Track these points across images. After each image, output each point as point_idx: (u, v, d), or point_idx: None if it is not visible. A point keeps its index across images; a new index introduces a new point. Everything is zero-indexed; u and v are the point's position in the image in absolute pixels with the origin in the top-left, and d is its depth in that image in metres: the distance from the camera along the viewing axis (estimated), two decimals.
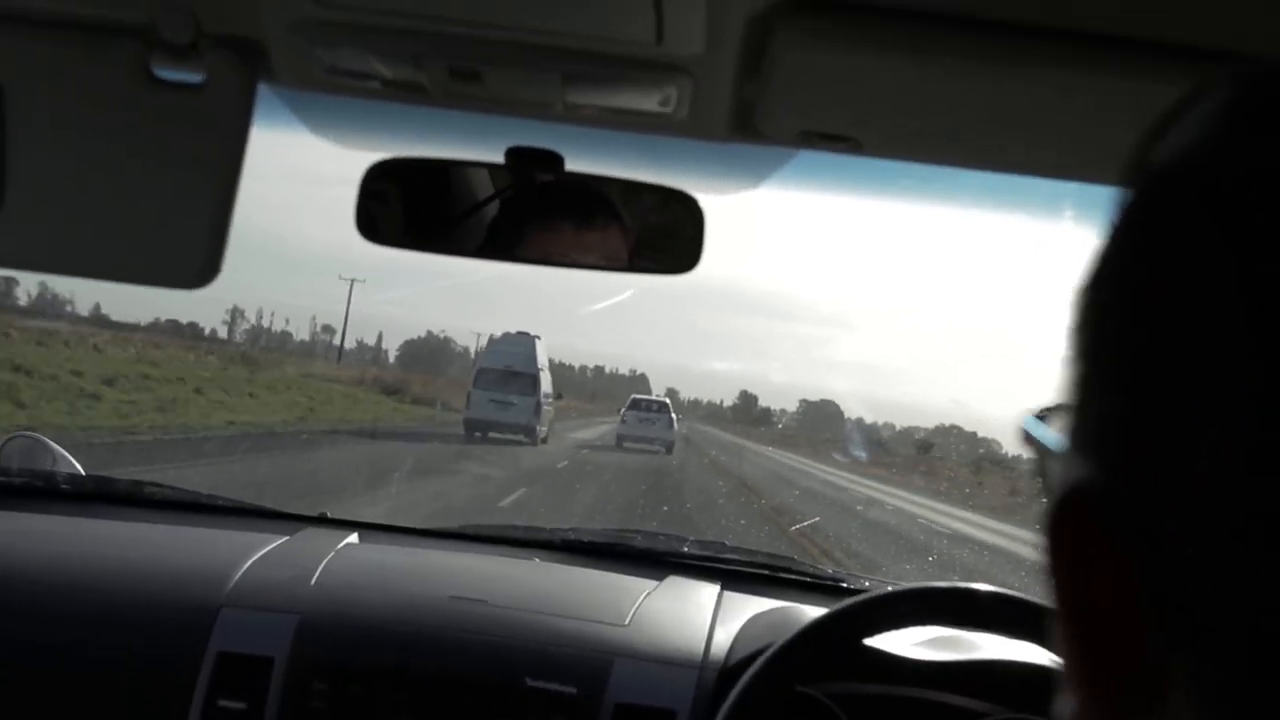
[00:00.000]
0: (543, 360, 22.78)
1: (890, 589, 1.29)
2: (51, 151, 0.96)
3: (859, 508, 18.19)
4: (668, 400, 29.88)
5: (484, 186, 1.26)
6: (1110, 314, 0.37)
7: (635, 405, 28.42)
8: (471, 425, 21.03)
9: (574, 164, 1.21)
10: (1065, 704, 0.38)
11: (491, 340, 24.28)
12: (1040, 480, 0.40)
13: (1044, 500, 0.38)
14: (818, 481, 23.84)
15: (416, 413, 27.71)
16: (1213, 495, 0.33)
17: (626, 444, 25.50)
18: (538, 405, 21.44)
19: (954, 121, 0.93)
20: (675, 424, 27.84)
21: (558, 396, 25.13)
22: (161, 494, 2.07)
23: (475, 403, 21.47)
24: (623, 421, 27.52)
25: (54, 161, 0.96)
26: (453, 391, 31.67)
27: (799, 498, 18.49)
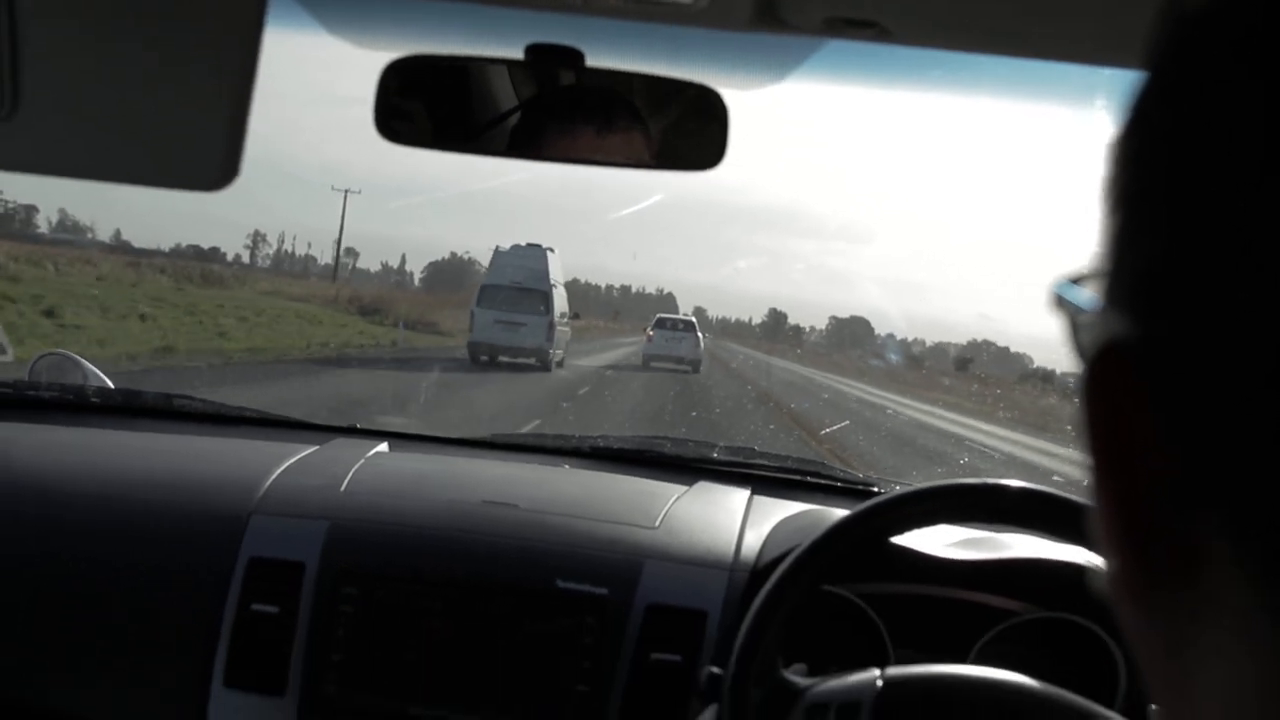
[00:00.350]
0: (556, 275, 20.25)
1: (916, 486, 1.30)
2: (66, 54, 0.96)
3: (890, 425, 18.17)
4: (693, 318, 29.94)
5: (504, 85, 1.26)
6: (1144, 159, 0.37)
7: (661, 324, 28.51)
8: (476, 349, 19.07)
9: (595, 60, 1.20)
10: (1105, 569, 0.38)
11: (498, 253, 20.50)
12: (1074, 347, 0.40)
13: (1079, 364, 0.38)
14: (851, 400, 23.75)
15: (393, 336, 25.07)
16: (1257, 342, 0.32)
17: (654, 364, 25.62)
18: (550, 326, 19.13)
19: (982, 2, 0.92)
20: (702, 342, 27.93)
21: (574, 316, 23.29)
22: (191, 406, 2.11)
23: (479, 324, 19.11)
24: (649, 340, 27.62)
25: (69, 63, 0.96)
26: (447, 312, 30.00)
27: (826, 411, 18.50)
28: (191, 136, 0.97)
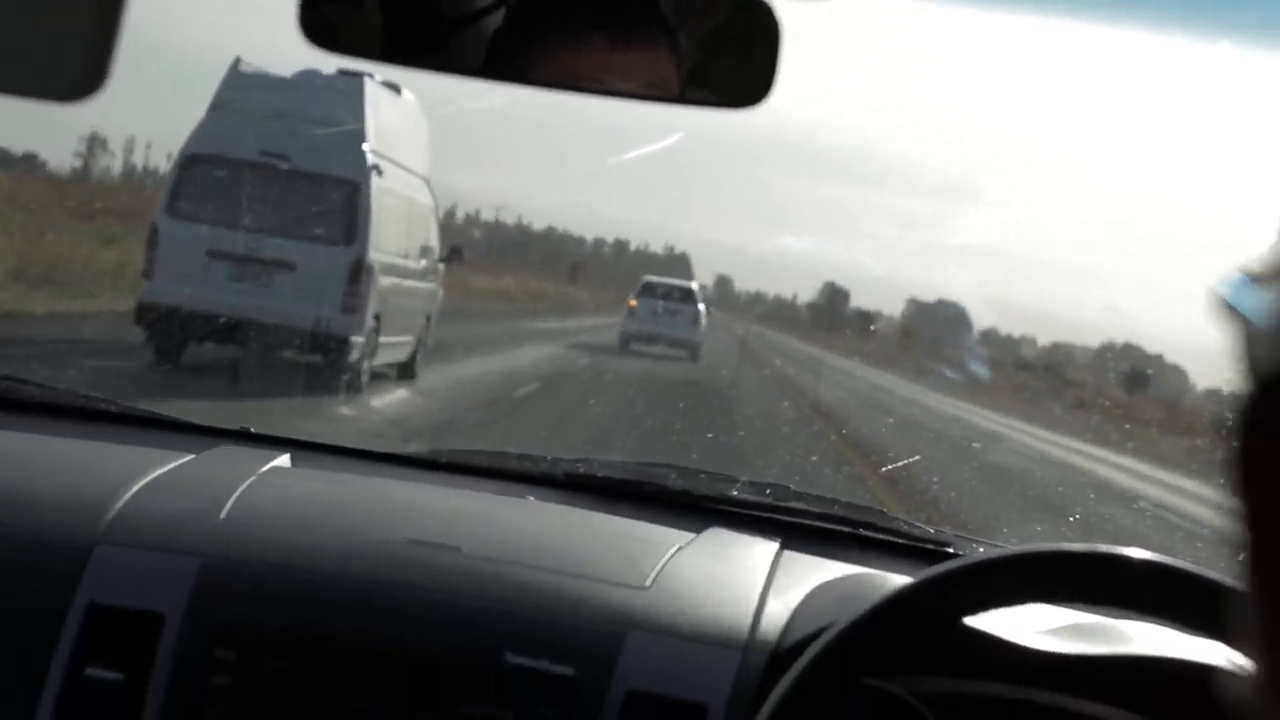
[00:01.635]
0: (393, 147, 13.21)
1: (1003, 550, 1.34)
2: None
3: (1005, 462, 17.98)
4: (694, 285, 29.59)
5: None
6: None
7: (649, 291, 28.13)
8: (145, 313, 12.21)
9: None
10: (1248, 674, 0.39)
11: (233, 73, 12.84)
12: (1242, 368, 0.40)
13: (1241, 396, 0.38)
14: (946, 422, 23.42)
15: None
16: None
17: (635, 345, 25.66)
18: (354, 275, 12.30)
19: None
20: (704, 318, 27.89)
21: (444, 258, 15.34)
22: (25, 393, 2.17)
23: (166, 265, 12.30)
24: (630, 314, 27.42)
25: None
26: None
27: (904, 438, 18.19)
28: (52, 38, 1.04)
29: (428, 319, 14.80)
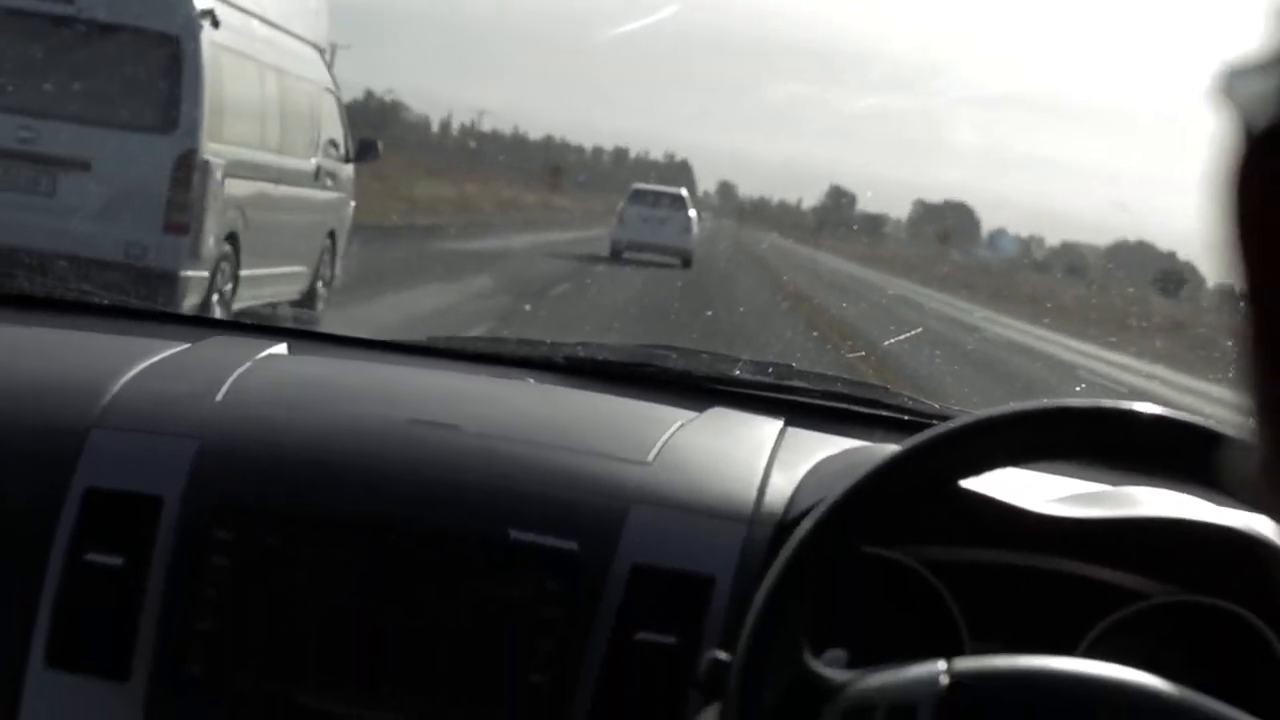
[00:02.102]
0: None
1: (995, 410, 1.33)
2: None
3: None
4: (684, 191, 29.78)
5: None
6: None
7: (638, 198, 28.34)
8: None
9: None
10: (1245, 445, 0.40)
11: None
12: (1234, 142, 0.42)
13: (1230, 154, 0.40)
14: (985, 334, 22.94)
15: None
16: None
17: (628, 253, 25.87)
18: (183, 187, 8.79)
19: None
20: (695, 225, 28.09)
21: (345, 159, 12.04)
22: (11, 287, 2.17)
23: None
24: (620, 222, 27.60)
25: None
26: None
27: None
28: None
29: (330, 240, 11.50)
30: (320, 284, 11.39)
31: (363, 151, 12.45)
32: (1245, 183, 0.40)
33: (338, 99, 12.06)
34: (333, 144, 11.69)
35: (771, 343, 13.18)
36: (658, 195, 28.95)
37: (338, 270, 11.91)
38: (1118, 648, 1.51)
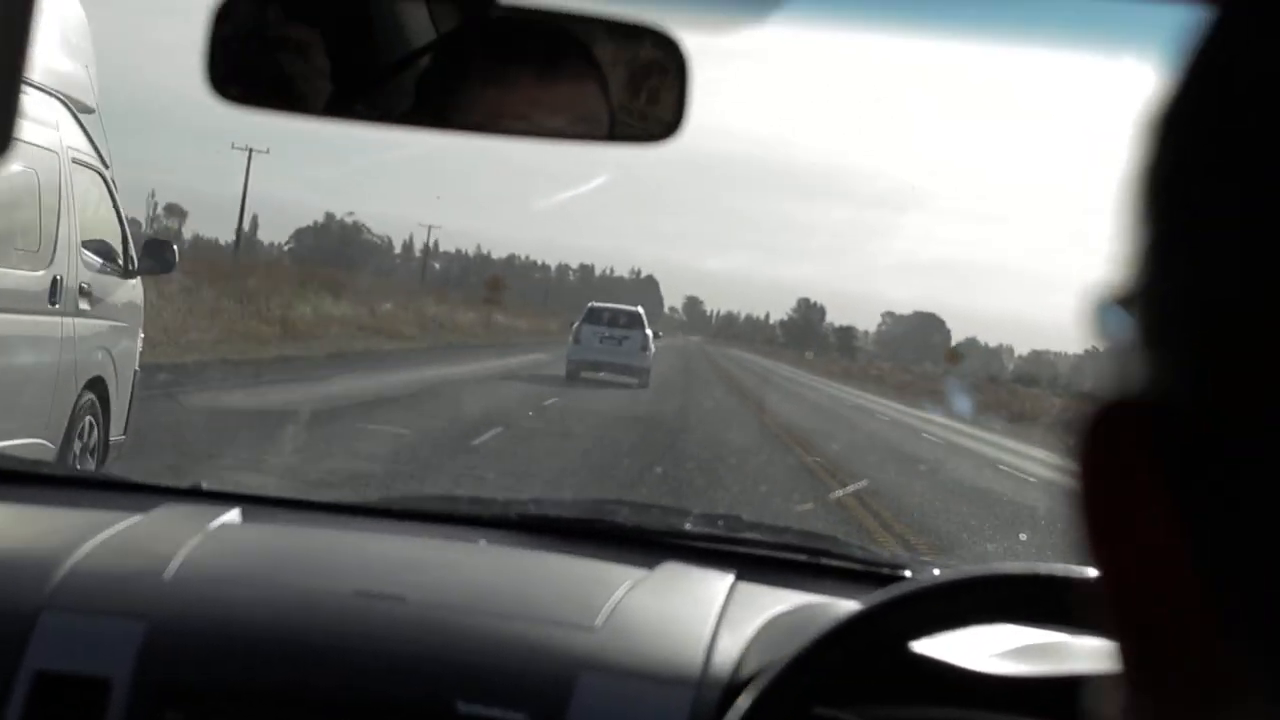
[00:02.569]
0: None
1: (950, 574, 1.39)
2: None
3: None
4: (640, 309, 30.12)
5: (401, 27, 1.35)
6: (1187, 159, 0.39)
7: (594, 317, 28.72)
8: None
9: None
10: (1111, 698, 0.41)
11: None
12: (1106, 380, 0.42)
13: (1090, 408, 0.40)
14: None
15: None
16: None
17: (585, 373, 26.02)
18: None
19: None
20: (652, 343, 28.31)
21: (126, 270, 9.02)
22: None
23: None
24: (575, 341, 27.82)
25: None
26: None
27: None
28: None
29: (94, 392, 8.31)
30: (85, 454, 8.26)
31: (152, 257, 9.30)
32: (1091, 461, 0.40)
33: (108, 182, 8.67)
34: (99, 248, 8.47)
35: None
36: (615, 313, 29.27)
37: (118, 431, 8.76)
38: None
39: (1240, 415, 0.36)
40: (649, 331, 28.65)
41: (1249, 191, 0.36)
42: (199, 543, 1.86)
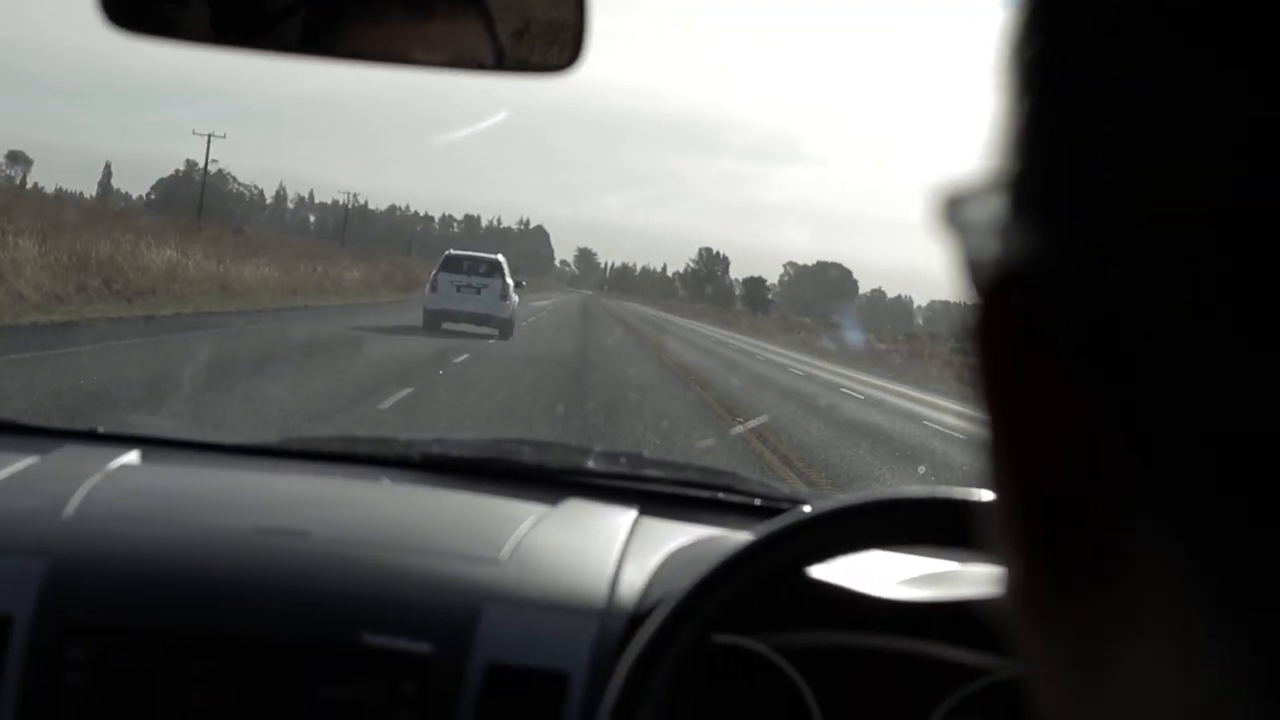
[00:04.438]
0: None
1: (843, 498, 1.49)
2: None
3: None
4: (500, 257, 30.14)
5: None
6: (1068, 31, 0.40)
7: (451, 265, 28.80)
8: None
9: None
10: (1000, 586, 0.44)
11: None
12: (965, 280, 0.45)
13: (969, 302, 0.43)
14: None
15: None
16: (1206, 264, 0.35)
17: (446, 324, 26.03)
18: None
19: None
20: (513, 293, 28.40)
21: None
22: None
23: None
24: (432, 289, 27.90)
25: None
26: None
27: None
28: None
29: None
30: None
31: None
32: (986, 337, 0.43)
33: None
34: None
35: None
36: (474, 261, 29.34)
37: None
38: None
39: (1133, 283, 0.38)
40: (509, 280, 28.75)
41: (1129, 59, 0.38)
42: (99, 482, 1.93)
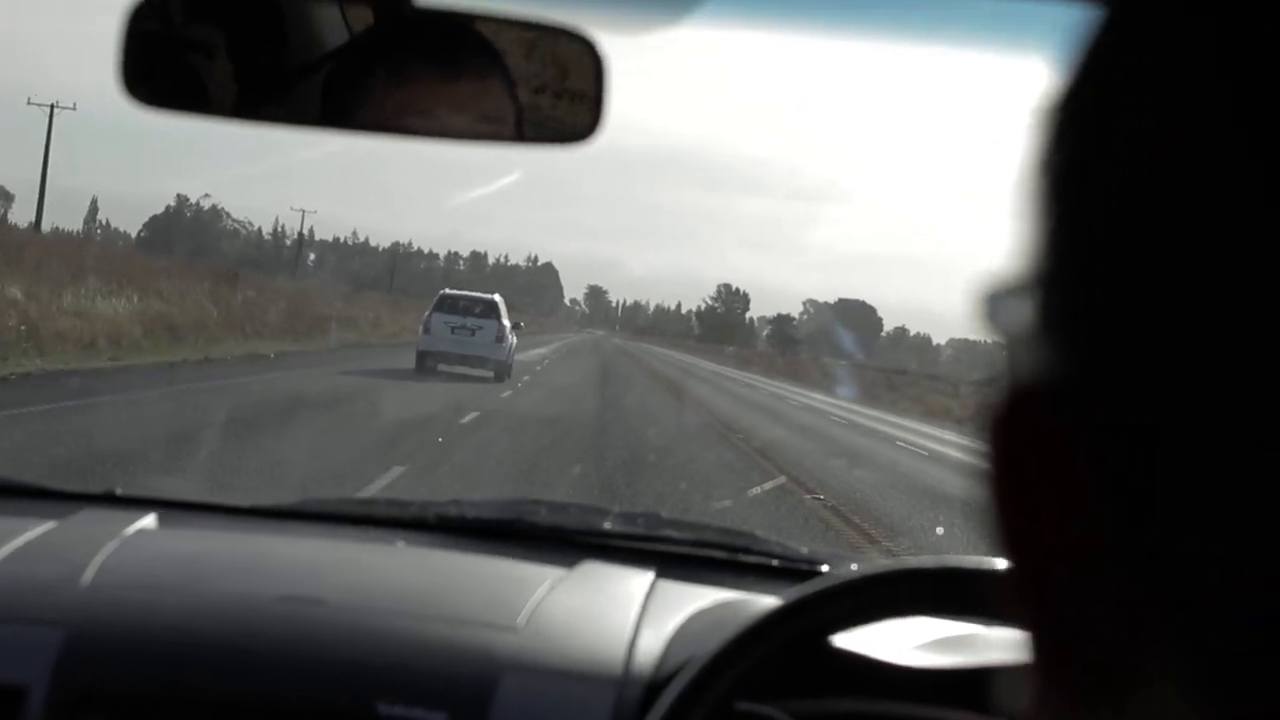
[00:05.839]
0: None
1: (864, 568, 1.54)
2: None
3: None
4: (497, 298, 30.01)
5: (312, 29, 1.50)
6: (1077, 151, 0.43)
7: (447, 306, 28.58)
8: None
9: None
10: (1020, 690, 0.45)
11: None
12: (1003, 373, 0.47)
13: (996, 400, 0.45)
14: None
15: None
16: (1227, 390, 0.37)
17: (441, 366, 25.90)
18: None
19: None
20: (509, 334, 28.22)
21: None
22: None
23: None
24: (425, 331, 27.66)
25: None
26: None
27: None
28: None
29: None
30: None
31: None
32: (1002, 432, 0.44)
33: None
34: None
35: None
36: (470, 301, 29.20)
37: None
38: None
39: (1142, 399, 0.39)
40: (506, 322, 28.64)
41: (1128, 183, 0.41)
42: (116, 548, 1.99)
